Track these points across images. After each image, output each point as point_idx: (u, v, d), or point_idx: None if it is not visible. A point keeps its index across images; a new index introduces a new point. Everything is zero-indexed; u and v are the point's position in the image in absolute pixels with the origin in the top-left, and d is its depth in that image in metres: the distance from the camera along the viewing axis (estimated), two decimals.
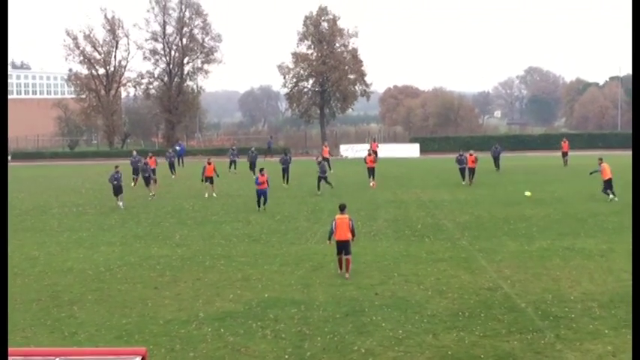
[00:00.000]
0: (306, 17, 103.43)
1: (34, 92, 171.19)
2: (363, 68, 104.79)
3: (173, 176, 59.94)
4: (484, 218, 36.19)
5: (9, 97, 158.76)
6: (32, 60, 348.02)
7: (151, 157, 54.70)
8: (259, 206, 40.06)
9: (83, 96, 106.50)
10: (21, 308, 21.50)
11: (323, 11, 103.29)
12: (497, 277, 24.01)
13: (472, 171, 50.19)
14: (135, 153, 58.84)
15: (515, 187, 48.20)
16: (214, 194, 46.73)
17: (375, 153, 73.58)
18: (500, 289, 22.48)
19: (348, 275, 24.12)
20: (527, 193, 36.20)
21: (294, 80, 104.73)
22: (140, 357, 10.51)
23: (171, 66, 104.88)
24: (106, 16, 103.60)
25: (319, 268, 25.85)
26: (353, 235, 24.69)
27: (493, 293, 21.97)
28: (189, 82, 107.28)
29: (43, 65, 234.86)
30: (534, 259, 26.45)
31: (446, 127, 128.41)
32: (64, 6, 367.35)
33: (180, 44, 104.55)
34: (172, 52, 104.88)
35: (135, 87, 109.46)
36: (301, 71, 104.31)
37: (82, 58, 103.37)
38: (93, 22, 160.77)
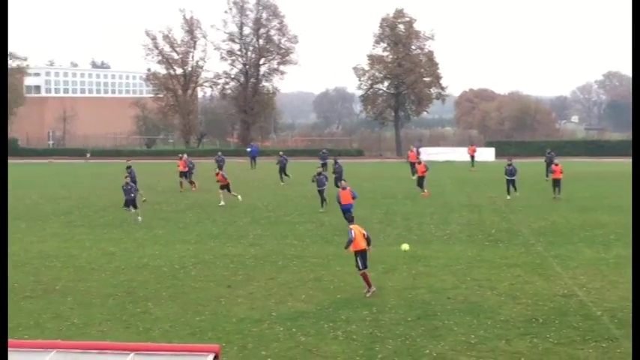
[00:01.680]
0: (383, 19, 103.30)
1: (113, 91, 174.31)
2: (438, 71, 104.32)
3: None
4: (560, 224, 35.69)
5: (88, 95, 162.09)
6: (112, 59, 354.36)
7: (181, 159, 52.58)
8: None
9: (161, 95, 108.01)
10: (97, 303, 21.90)
11: (399, 13, 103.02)
12: (573, 284, 23.66)
13: (558, 182, 46.03)
14: (184, 156, 54.65)
15: (592, 193, 47.48)
16: (222, 202, 43.34)
17: (472, 158, 70.59)
18: (576, 296, 22.16)
19: (370, 292, 22.68)
20: (405, 247, 28.49)
21: (370, 82, 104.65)
22: (213, 354, 10.63)
23: (247, 67, 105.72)
24: (184, 17, 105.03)
25: (391, 271, 25.80)
26: (369, 243, 23.17)
27: (568, 300, 21.67)
28: (264, 83, 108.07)
29: (123, 65, 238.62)
30: (611, 267, 26.01)
31: (522, 131, 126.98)
32: (144, 7, 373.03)
33: (256, 45, 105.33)
34: (249, 53, 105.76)
35: (211, 87, 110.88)
36: (376, 73, 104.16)
37: (160, 57, 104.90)
38: (172, 22, 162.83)
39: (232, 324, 19.69)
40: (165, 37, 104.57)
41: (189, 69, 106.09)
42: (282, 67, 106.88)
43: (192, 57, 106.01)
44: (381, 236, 32.84)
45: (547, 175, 55.42)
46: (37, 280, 24.97)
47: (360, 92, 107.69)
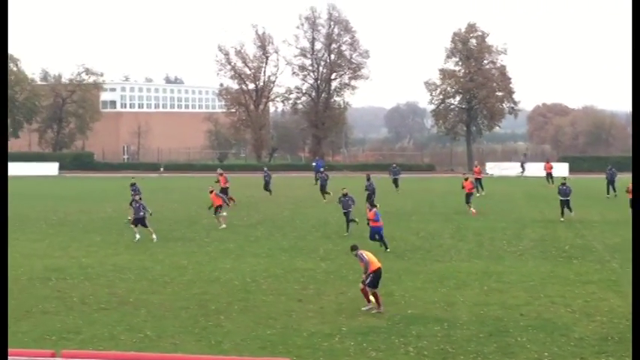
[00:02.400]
0: (455, 34, 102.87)
1: (187, 106, 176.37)
2: (511, 85, 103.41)
3: (270, 194, 57.32)
4: None
5: (162, 110, 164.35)
6: (185, 75, 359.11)
7: (221, 175, 52.16)
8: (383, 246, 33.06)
9: (233, 110, 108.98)
10: (170, 316, 22.11)
11: (472, 28, 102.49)
12: None
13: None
14: (219, 169, 55.42)
15: None
16: (223, 225, 40.65)
17: (550, 175, 66.55)
18: None
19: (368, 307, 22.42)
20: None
21: (441, 97, 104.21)
22: None
23: (318, 82, 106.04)
24: (257, 32, 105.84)
25: (463, 287, 25.60)
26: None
27: None
28: (336, 98, 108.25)
29: (196, 80, 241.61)
30: None
31: (596, 146, 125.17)
32: (216, 22, 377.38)
33: (328, 60, 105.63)
34: (320, 68, 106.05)
35: (283, 102, 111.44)
36: (448, 88, 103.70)
37: (232, 73, 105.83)
38: (244, 38, 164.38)
39: (303, 338, 19.72)
40: (238, 53, 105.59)
41: (261, 84, 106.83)
42: (353, 82, 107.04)
43: (264, 72, 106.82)
44: (452, 251, 32.67)
45: (608, 192, 54.44)
46: (112, 292, 25.33)
47: (432, 107, 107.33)
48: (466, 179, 47.89)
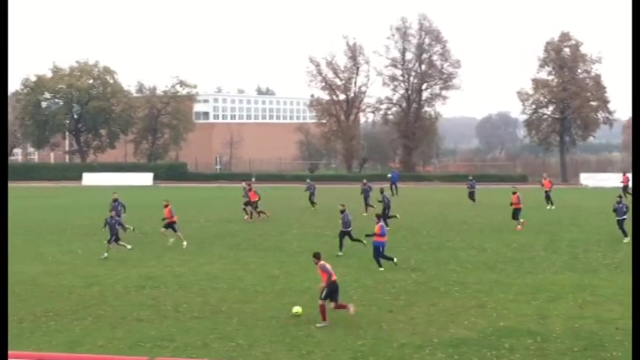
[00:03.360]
0: (548, 43, 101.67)
1: (278, 117, 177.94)
2: (606, 95, 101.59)
3: (313, 208, 56.47)
4: None
5: (254, 120, 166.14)
6: (277, 86, 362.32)
7: (250, 190, 50.87)
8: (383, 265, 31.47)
9: (324, 121, 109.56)
10: (261, 325, 22.28)
11: (565, 37, 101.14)
12: None
13: None
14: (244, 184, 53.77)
15: None
16: (184, 243, 38.03)
17: (625, 188, 63.64)
18: None
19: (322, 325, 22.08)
20: (296, 310, 23.91)
21: (534, 107, 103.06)
22: None
23: (409, 92, 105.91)
24: (347, 43, 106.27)
25: (557, 299, 25.20)
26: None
27: None
28: (427, 108, 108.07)
29: (287, 91, 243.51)
30: None
31: None
32: (307, 34, 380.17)
33: (419, 70, 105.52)
34: (411, 79, 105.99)
35: (373, 112, 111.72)
36: (541, 98, 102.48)
37: (323, 84, 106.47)
38: (335, 49, 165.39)
39: (393, 349, 19.66)
40: (329, 64, 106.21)
41: (352, 95, 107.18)
42: (444, 92, 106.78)
43: (355, 83, 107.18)
44: (545, 263, 32.21)
45: None
46: (205, 301, 25.64)
47: (524, 117, 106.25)
48: (514, 193, 45.30)
